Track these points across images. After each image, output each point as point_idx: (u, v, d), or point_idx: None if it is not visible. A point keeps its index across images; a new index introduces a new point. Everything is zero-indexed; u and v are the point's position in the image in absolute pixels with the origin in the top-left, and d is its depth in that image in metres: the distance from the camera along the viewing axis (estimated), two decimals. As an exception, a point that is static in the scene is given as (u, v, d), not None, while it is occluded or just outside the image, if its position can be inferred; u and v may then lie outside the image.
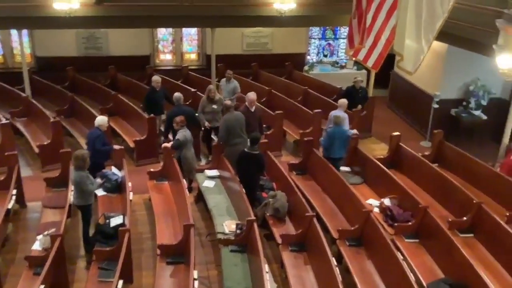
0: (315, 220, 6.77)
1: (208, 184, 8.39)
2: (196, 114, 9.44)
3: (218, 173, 8.63)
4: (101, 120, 8.18)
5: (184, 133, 8.25)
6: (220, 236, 6.94)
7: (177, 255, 6.34)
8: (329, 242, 6.66)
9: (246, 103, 9.07)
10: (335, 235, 7.02)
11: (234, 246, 6.72)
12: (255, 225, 6.60)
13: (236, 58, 13.63)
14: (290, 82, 13.11)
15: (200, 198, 8.50)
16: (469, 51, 9.59)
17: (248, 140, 7.85)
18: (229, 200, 7.91)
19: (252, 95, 9.10)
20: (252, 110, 8.99)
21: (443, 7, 7.05)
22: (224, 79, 11.13)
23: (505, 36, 7.14)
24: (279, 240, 6.87)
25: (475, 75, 11.06)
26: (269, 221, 7.44)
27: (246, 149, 7.75)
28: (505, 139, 8.80)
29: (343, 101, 9.53)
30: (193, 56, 14.41)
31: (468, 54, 9.80)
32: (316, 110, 10.35)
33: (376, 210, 7.65)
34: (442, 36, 8.44)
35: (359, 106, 10.97)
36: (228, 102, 9.18)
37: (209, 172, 8.66)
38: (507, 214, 7.20)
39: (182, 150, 8.29)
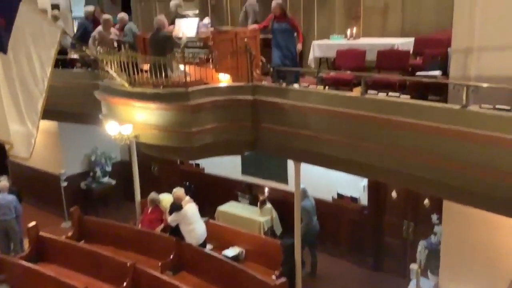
0: None
1: None
2: None
3: None
4: None
5: None
6: None
7: None
8: None
9: None
10: None
11: None
12: None
13: None
14: None
15: None
16: (83, 124, 9.85)
17: None
18: None
19: None
20: None
21: (39, 88, 6.90)
22: None
23: (106, 105, 7.62)
24: None
25: (94, 145, 11.45)
26: None
27: None
28: (137, 197, 9.42)
29: (5, 184, 9.06)
30: None
31: (83, 127, 10.04)
32: None
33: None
34: (51, 114, 8.28)
35: None
36: None
37: None
38: (160, 264, 7.65)
39: None
